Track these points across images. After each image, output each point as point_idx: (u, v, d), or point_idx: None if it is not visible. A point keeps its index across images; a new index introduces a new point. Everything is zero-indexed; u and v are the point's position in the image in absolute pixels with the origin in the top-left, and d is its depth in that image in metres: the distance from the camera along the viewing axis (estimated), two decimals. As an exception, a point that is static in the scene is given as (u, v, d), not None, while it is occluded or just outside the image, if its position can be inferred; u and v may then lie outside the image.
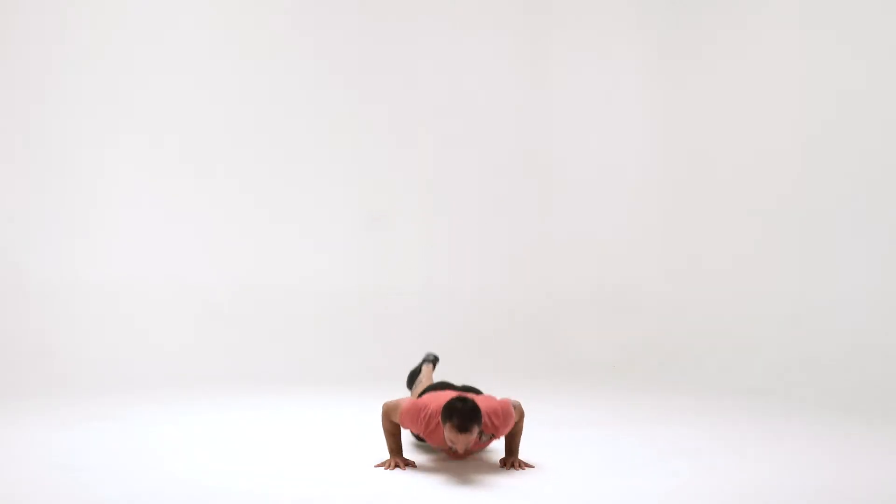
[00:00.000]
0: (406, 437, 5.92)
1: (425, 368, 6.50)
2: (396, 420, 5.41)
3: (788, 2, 8.39)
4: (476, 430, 5.03)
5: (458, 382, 6.12)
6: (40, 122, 8.63)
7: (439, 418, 5.17)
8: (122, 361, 8.48)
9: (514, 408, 5.41)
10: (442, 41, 9.73)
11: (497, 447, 5.82)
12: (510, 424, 5.31)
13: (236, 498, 4.89)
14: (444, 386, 5.84)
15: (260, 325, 9.08)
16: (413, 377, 6.61)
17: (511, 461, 5.38)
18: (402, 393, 6.63)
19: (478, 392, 5.74)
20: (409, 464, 5.42)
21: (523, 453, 5.55)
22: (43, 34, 8.61)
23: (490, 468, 5.45)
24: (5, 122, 8.58)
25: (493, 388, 6.24)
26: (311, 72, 9.39)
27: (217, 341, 8.88)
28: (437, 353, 6.78)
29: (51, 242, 8.59)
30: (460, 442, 5.05)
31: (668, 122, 9.38)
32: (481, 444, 5.43)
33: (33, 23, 8.60)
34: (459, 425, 5.00)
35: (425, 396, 5.45)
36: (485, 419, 5.17)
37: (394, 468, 5.36)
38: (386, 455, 5.53)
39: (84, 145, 8.73)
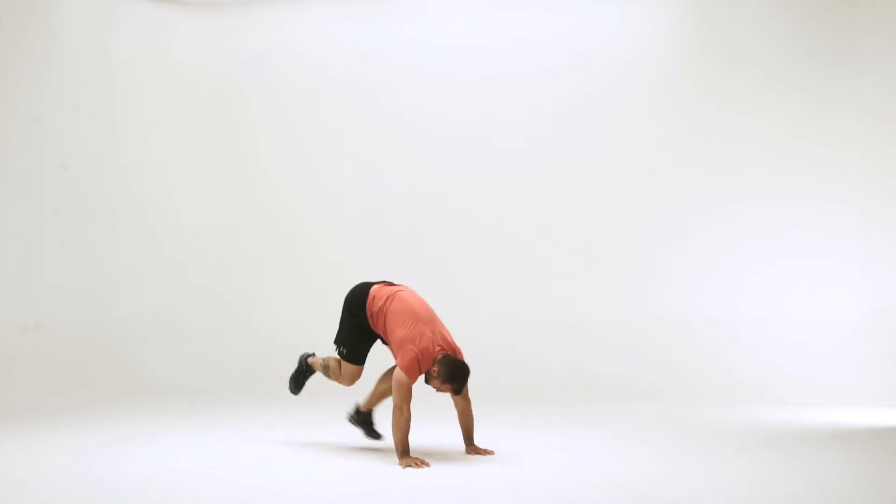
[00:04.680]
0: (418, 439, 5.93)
1: (318, 363, 6.39)
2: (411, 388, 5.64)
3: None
4: None
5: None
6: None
7: (427, 364, 5.64)
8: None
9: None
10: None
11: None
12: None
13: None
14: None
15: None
16: (303, 376, 6.45)
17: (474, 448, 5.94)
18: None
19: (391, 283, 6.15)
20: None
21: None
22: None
23: (492, 468, 5.47)
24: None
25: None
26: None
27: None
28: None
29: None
30: (452, 392, 5.75)
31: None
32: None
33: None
34: (460, 388, 5.73)
35: (405, 340, 5.66)
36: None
37: (422, 465, 5.49)
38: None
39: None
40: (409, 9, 9.64)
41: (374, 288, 6.04)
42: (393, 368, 6.10)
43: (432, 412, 7.09)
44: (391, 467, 5.53)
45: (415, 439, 5.95)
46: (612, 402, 8.16)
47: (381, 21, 9.66)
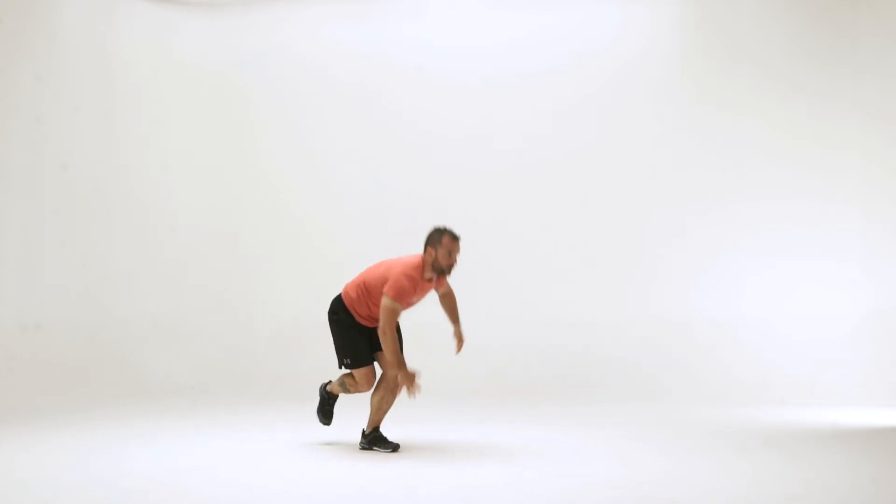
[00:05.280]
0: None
1: (336, 386, 6.38)
2: (399, 313, 5.81)
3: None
4: None
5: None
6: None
7: (419, 272, 5.87)
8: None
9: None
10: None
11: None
12: (442, 285, 6.20)
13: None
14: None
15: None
16: (329, 403, 6.44)
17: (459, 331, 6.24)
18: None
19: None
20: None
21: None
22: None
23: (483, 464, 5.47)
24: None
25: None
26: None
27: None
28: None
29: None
30: (456, 250, 5.94)
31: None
32: (434, 285, 6.09)
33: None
34: (453, 233, 5.95)
35: (389, 278, 5.86)
36: None
37: (416, 386, 5.71)
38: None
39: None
40: (409, 9, 9.65)
41: (343, 291, 6.13)
42: (380, 382, 6.13)
43: (432, 413, 7.12)
44: (391, 467, 5.53)
45: (415, 438, 5.97)
46: (612, 402, 8.17)
47: (381, 21, 9.67)
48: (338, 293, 6.19)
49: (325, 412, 6.36)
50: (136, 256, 9.49)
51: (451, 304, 6.30)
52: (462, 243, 5.95)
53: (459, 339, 6.22)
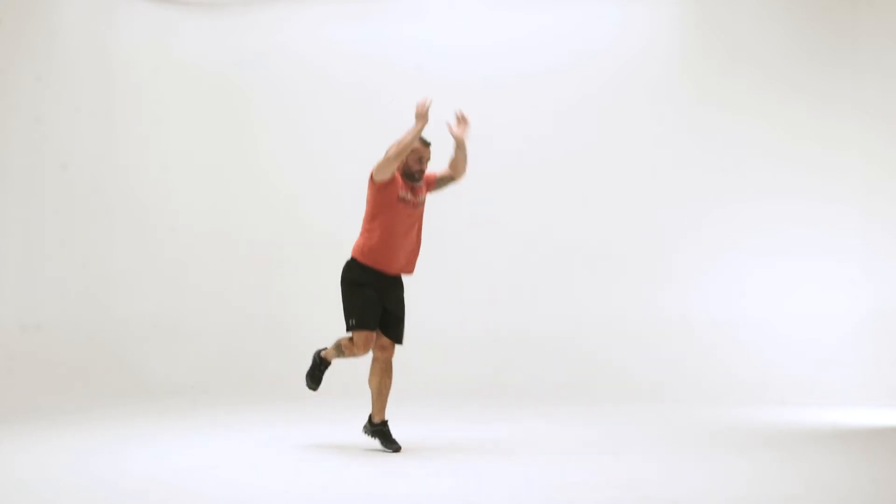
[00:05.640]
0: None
1: (331, 351, 6.34)
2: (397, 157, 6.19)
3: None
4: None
5: None
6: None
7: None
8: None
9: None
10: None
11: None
12: (432, 181, 6.51)
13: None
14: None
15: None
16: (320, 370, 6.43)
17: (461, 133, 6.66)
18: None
19: None
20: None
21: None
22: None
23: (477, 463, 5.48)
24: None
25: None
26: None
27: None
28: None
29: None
30: (426, 155, 6.34)
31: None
32: (421, 188, 6.41)
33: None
34: (423, 139, 6.30)
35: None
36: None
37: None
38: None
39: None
40: (409, 9, 9.65)
41: (352, 250, 6.22)
42: (374, 365, 6.08)
43: (432, 413, 7.11)
44: (391, 467, 5.53)
45: (416, 438, 5.96)
46: (612, 401, 8.17)
47: (381, 21, 9.67)
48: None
49: (315, 377, 6.34)
50: (136, 256, 9.49)
51: (454, 159, 6.57)
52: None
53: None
